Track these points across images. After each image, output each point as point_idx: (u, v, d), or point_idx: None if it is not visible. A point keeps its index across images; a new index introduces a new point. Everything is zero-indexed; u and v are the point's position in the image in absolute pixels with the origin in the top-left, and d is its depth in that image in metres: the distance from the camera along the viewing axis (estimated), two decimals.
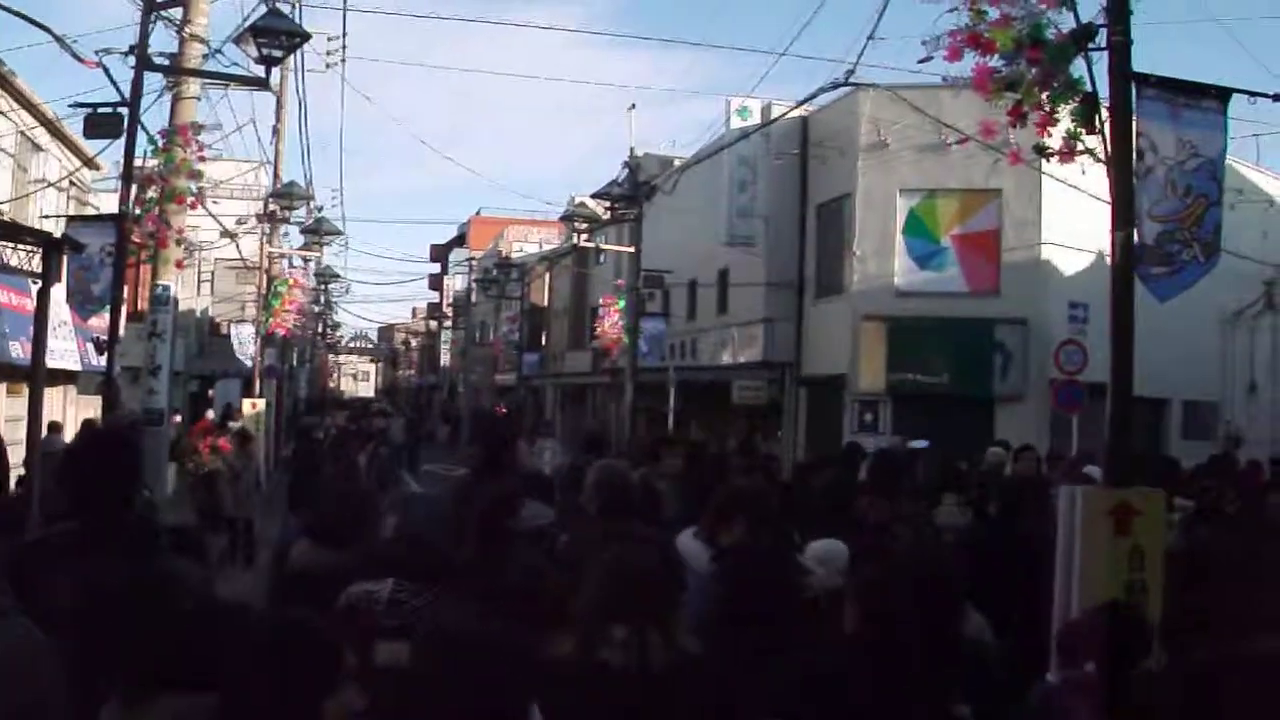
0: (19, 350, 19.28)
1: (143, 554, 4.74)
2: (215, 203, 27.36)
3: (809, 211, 32.49)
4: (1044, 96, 7.99)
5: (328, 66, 33.88)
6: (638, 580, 4.75)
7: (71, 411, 26.01)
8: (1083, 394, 22.10)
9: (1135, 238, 7.74)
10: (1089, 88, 8.01)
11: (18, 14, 14.38)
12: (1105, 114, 7.97)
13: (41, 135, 26.22)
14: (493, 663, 3.66)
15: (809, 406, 32.61)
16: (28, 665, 3.36)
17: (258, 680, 3.27)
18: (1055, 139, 8.43)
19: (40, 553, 4.98)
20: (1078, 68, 8.02)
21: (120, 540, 4.81)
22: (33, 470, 10.05)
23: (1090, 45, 7.94)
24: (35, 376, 11.60)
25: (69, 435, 20.77)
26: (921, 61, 8.61)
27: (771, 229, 32.43)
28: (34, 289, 12.29)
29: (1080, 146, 8.20)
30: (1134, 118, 7.81)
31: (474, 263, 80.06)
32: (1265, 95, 8.80)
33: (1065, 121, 8.14)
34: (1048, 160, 8.73)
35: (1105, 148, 7.96)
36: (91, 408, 20.50)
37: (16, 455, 10.32)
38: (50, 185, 25.79)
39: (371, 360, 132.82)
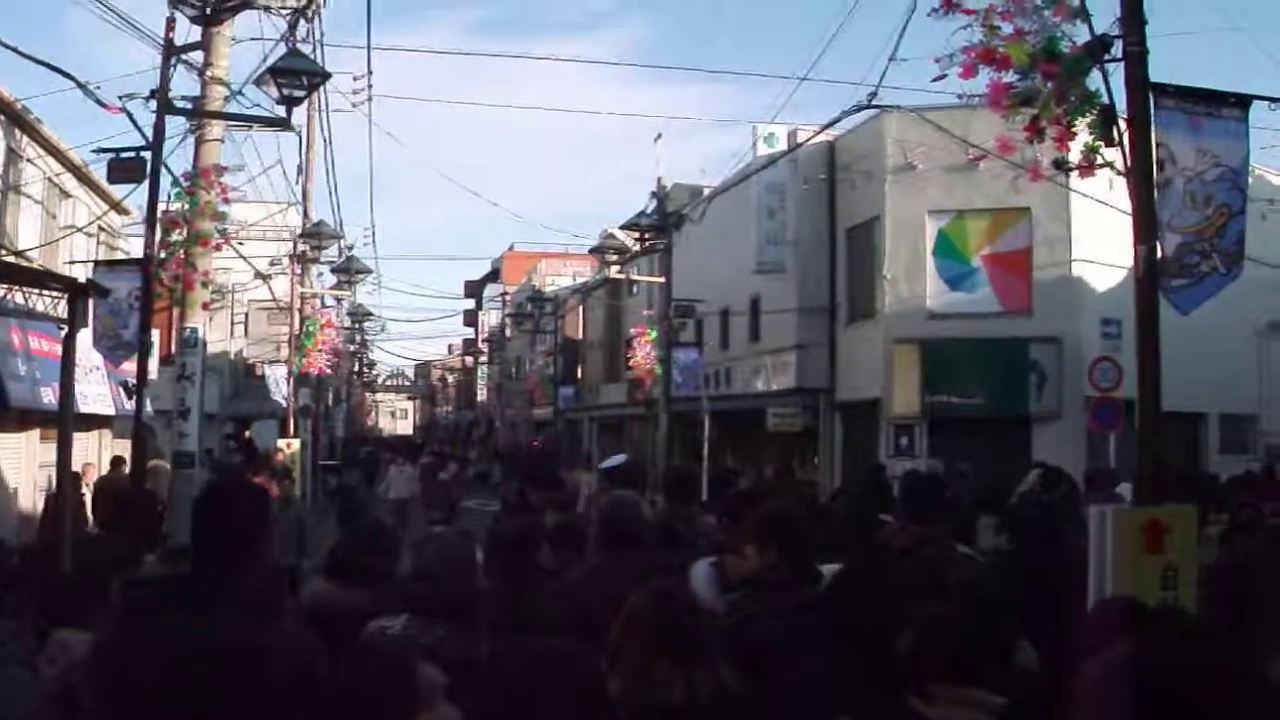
0: (50, 396, 19.33)
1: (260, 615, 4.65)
2: (244, 245, 27.48)
3: (838, 236, 32.40)
4: (1060, 110, 7.92)
5: (354, 106, 33.99)
6: (683, 616, 4.68)
7: (105, 456, 26.05)
8: (1119, 411, 21.92)
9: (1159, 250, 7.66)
10: (1106, 100, 7.94)
11: (42, 62, 14.52)
12: (1123, 126, 7.89)
13: (69, 181, 26.33)
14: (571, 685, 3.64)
15: (844, 432, 32.47)
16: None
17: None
18: (1075, 153, 8.36)
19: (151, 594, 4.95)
20: (1094, 80, 7.95)
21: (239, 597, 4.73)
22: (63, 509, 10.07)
23: (1106, 56, 7.87)
24: (63, 420, 11.62)
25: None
26: (936, 79, 8.54)
27: (801, 254, 32.36)
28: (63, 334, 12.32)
29: (1099, 160, 8.12)
30: (1153, 128, 7.72)
31: (508, 297, 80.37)
32: None
33: (1084, 135, 8.07)
34: (1066, 175, 8.67)
35: (1125, 160, 7.88)
36: (126, 452, 20.59)
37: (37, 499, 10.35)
38: (78, 231, 25.86)
39: (409, 397, 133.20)
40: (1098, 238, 25.47)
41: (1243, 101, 7.97)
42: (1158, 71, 7.78)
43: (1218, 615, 5.35)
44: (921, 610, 4.62)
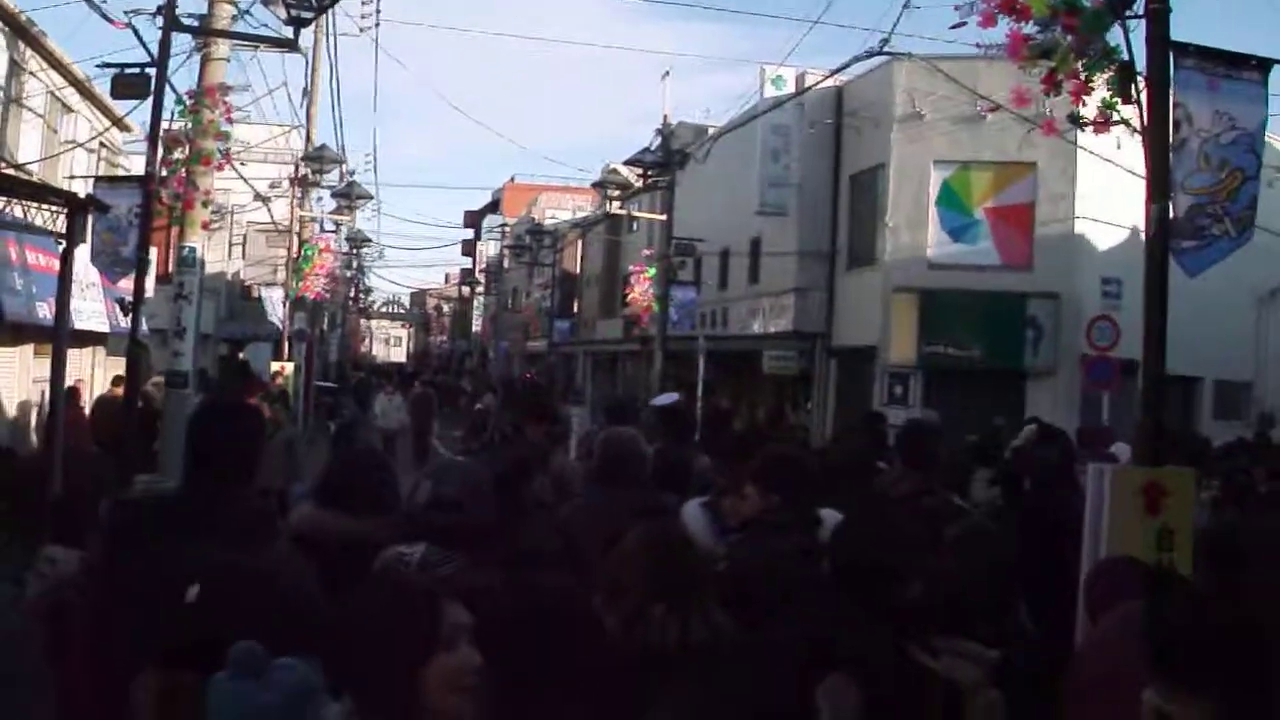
0: (46, 311, 19.24)
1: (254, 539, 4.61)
2: (246, 166, 27.34)
3: (842, 181, 32.29)
4: (1079, 65, 7.85)
5: (361, 30, 33.79)
6: (679, 558, 4.66)
7: (99, 374, 26.01)
8: (1114, 370, 21.95)
9: (1171, 211, 7.60)
10: (1125, 56, 7.86)
11: None
12: (1142, 84, 7.81)
13: (71, 96, 26.10)
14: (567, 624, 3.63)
15: (839, 378, 32.47)
16: None
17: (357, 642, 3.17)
18: (1090, 109, 8.29)
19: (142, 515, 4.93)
20: (1114, 36, 7.87)
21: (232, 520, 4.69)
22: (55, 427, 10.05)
23: (1128, 13, 7.78)
24: (58, 337, 11.59)
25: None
26: (954, 27, 8.47)
27: (804, 198, 32.28)
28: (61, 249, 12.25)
29: (1115, 117, 8.06)
30: (1171, 87, 7.65)
31: (507, 229, 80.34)
32: None
33: (1100, 91, 8.00)
34: (1082, 130, 8.61)
35: (1141, 118, 7.81)
36: (120, 369, 20.55)
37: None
38: (79, 146, 25.71)
39: (404, 325, 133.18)
40: (1102, 196, 25.43)
41: (1263, 65, 7.89)
42: (1179, 30, 7.70)
43: (1207, 580, 5.33)
44: (927, 561, 4.61)
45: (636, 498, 6.79)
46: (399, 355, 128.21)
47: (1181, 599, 3.50)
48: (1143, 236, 7.99)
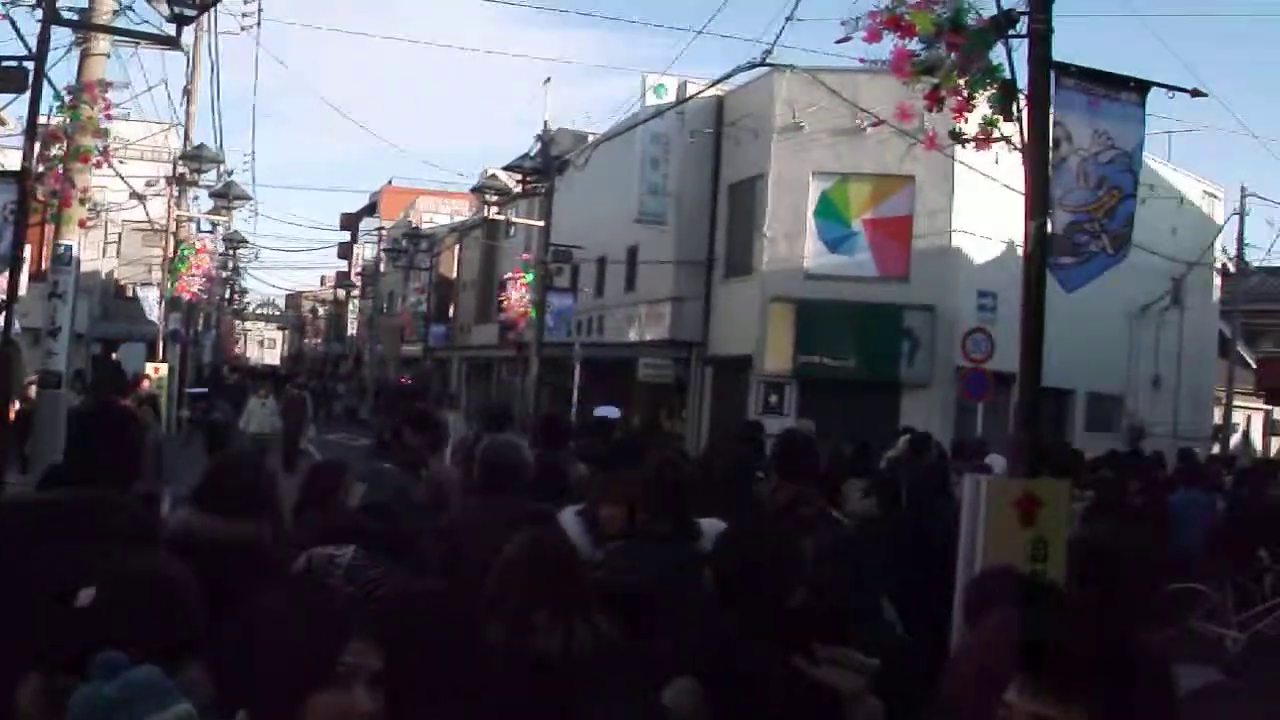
0: None
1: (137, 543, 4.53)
2: (123, 164, 26.92)
3: (721, 191, 32.46)
4: (962, 82, 7.96)
5: (243, 29, 33.40)
6: (563, 565, 4.66)
7: None
8: (988, 383, 22.28)
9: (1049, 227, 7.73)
10: (1008, 75, 7.99)
11: None
12: (1023, 102, 7.94)
13: None
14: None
15: (714, 386, 32.60)
16: None
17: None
18: (972, 125, 8.40)
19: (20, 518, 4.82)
20: (997, 54, 8.00)
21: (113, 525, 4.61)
22: None
23: (1011, 32, 7.91)
24: None
25: None
26: (840, 42, 8.54)
27: (683, 207, 32.42)
28: None
29: (996, 134, 8.18)
30: (1051, 107, 7.79)
31: (384, 232, 79.84)
32: (1184, 90, 8.83)
33: (982, 108, 8.12)
34: (963, 146, 8.72)
35: (1021, 136, 7.93)
36: None
37: None
38: None
39: (279, 327, 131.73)
40: (978, 211, 25.85)
41: (1141, 87, 8.07)
42: (1060, 50, 7.84)
43: (1081, 589, 5.43)
44: (807, 570, 4.64)
45: (519, 506, 6.76)
46: (273, 357, 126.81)
47: (1053, 606, 3.57)
48: (1019, 251, 8.14)
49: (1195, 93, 8.88)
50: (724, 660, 4.26)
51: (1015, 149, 7.99)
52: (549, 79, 37.27)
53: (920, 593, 6.73)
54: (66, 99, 14.61)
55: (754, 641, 4.31)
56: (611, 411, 18.06)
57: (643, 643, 4.71)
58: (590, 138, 37.02)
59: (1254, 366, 40.84)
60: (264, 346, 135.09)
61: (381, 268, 79.46)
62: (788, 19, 18.38)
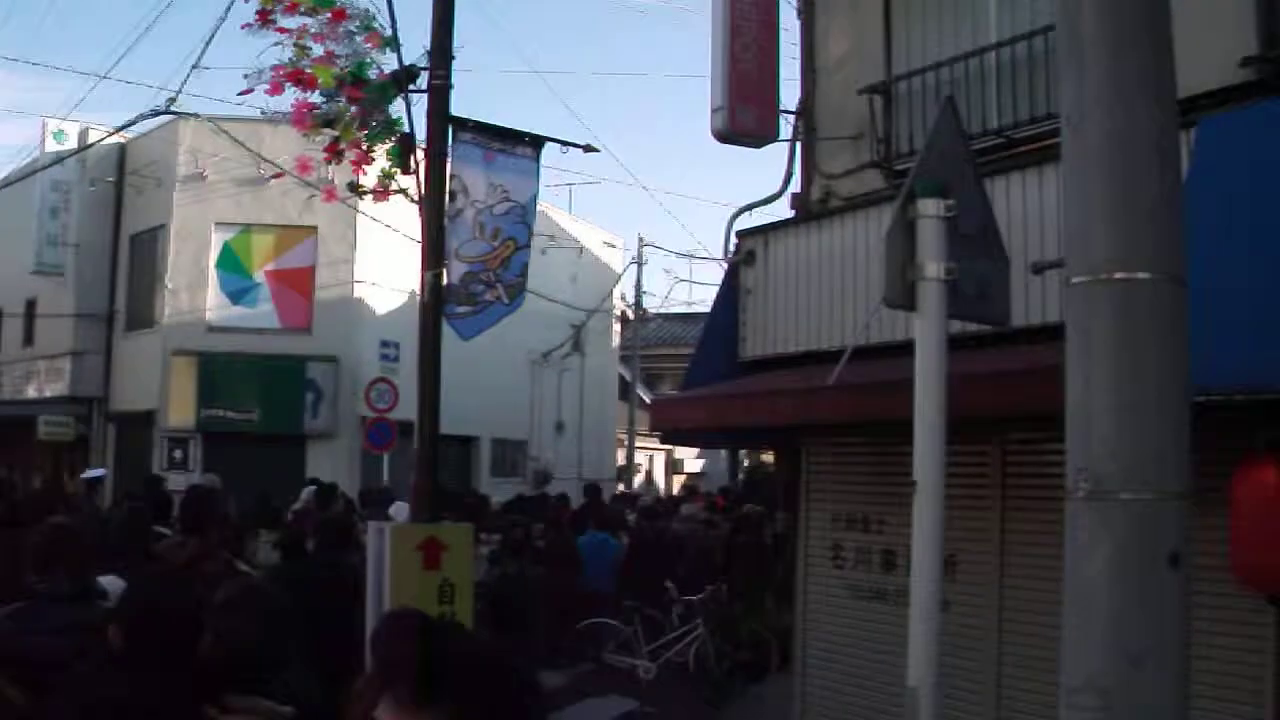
0: None
1: None
2: None
3: (122, 241, 31.40)
4: (362, 135, 8.10)
5: None
6: None
7: None
8: (393, 432, 22.54)
9: (445, 278, 7.96)
10: (407, 128, 8.18)
11: None
12: (421, 155, 8.15)
13: None
14: None
15: (118, 443, 31.46)
16: None
17: None
18: (371, 178, 8.56)
19: None
20: (398, 109, 8.18)
21: None
22: None
23: (412, 87, 8.11)
24: None
25: None
26: (242, 94, 8.52)
27: (83, 258, 31.17)
28: None
29: (395, 186, 8.36)
30: (449, 160, 8.03)
31: None
32: (577, 146, 9.28)
33: (381, 160, 8.29)
34: (361, 198, 8.86)
35: (419, 188, 8.14)
36: None
37: None
38: None
39: None
40: (381, 261, 26.15)
41: (536, 141, 8.44)
42: (460, 106, 8.11)
43: (489, 627, 5.65)
44: (213, 621, 4.64)
45: None
46: None
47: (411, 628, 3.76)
48: (419, 300, 8.33)
49: (588, 148, 9.35)
50: (135, 713, 4.21)
51: (413, 201, 8.19)
52: None
53: (331, 638, 6.79)
54: None
55: (164, 694, 4.27)
56: (98, 472, 17.28)
57: (46, 703, 4.60)
58: None
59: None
60: None
61: None
62: (194, 66, 18.03)
